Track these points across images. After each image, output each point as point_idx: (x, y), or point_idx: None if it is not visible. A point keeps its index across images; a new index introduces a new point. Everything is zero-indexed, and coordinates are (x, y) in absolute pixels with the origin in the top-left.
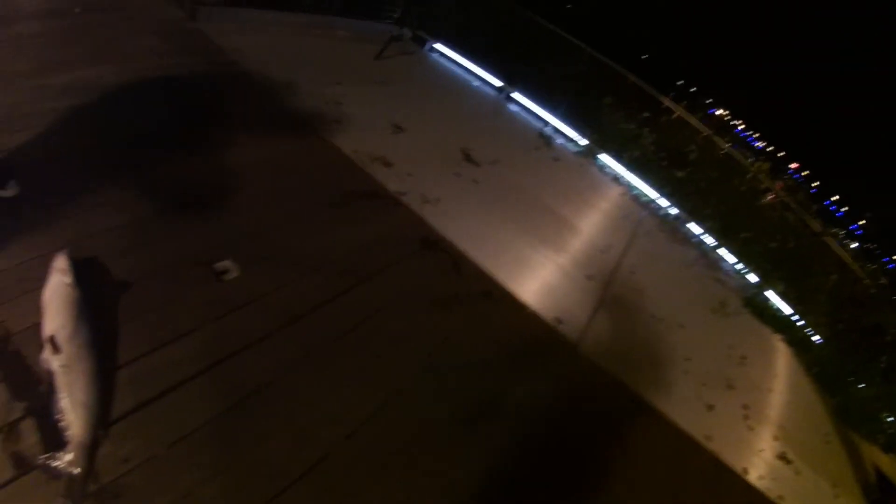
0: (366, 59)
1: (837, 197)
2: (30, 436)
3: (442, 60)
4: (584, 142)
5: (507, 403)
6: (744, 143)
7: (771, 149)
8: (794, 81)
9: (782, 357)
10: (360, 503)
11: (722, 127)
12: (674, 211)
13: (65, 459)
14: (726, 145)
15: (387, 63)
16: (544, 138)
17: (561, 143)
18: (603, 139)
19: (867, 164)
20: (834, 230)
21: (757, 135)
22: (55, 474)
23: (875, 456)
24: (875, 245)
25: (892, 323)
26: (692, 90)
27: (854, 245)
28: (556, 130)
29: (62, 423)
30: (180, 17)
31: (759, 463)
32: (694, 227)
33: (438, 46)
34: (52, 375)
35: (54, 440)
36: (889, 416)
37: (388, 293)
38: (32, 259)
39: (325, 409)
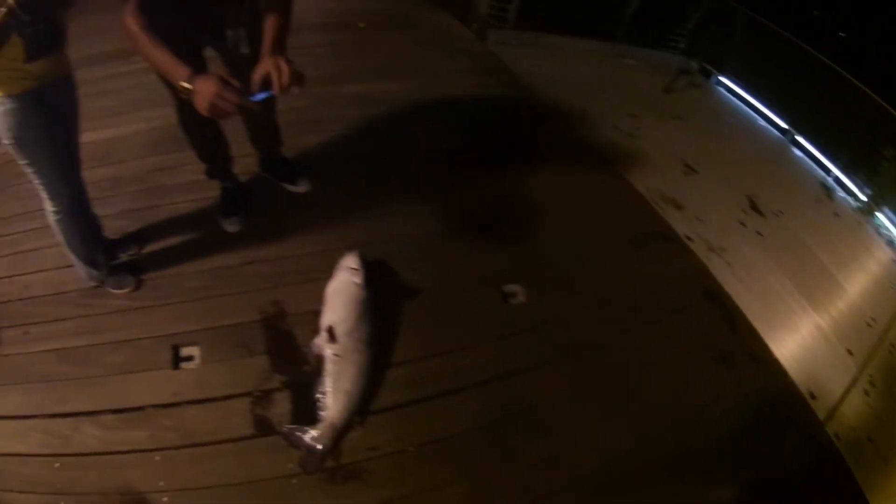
0: (655, 90)
1: None
2: (281, 406)
3: (728, 96)
4: (863, 197)
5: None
6: None
7: None
8: None
9: None
10: None
11: None
12: None
13: (311, 434)
14: None
15: (676, 96)
16: (826, 190)
17: (842, 197)
18: (883, 196)
19: None
20: None
21: None
22: (296, 444)
23: None
24: None
25: None
26: None
27: None
28: (838, 181)
29: (319, 404)
30: (470, 38)
31: None
32: None
33: (724, 80)
34: (322, 361)
35: (306, 416)
36: None
37: (667, 340)
38: (317, 252)
39: (581, 440)
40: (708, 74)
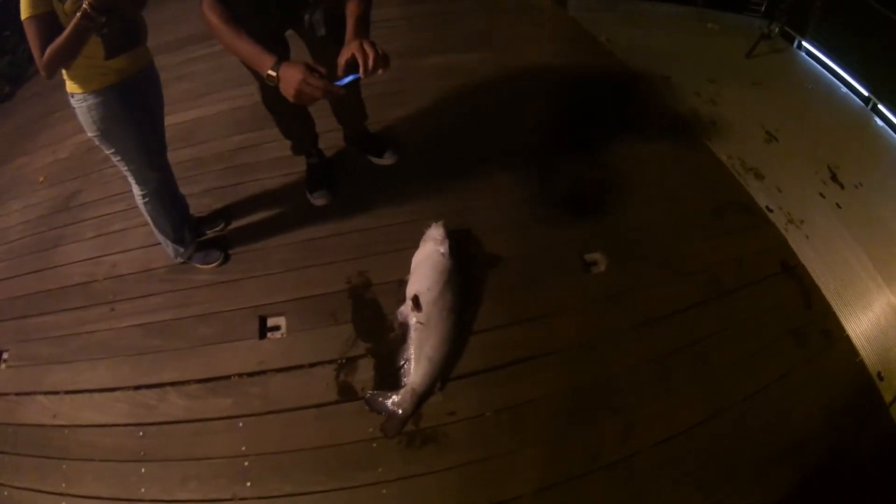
0: (736, 55)
1: None
2: (364, 373)
3: (810, 61)
4: None
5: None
6: None
7: None
8: None
9: None
10: None
11: None
12: None
13: (393, 399)
14: None
15: (757, 61)
16: None
17: None
18: None
19: None
20: None
21: None
22: (378, 409)
23: None
24: None
25: None
26: None
27: None
28: None
29: (402, 371)
30: (550, 5)
31: None
32: None
33: (806, 45)
34: (406, 328)
35: (389, 382)
36: None
37: (743, 312)
38: (404, 223)
39: (654, 410)
40: (790, 39)
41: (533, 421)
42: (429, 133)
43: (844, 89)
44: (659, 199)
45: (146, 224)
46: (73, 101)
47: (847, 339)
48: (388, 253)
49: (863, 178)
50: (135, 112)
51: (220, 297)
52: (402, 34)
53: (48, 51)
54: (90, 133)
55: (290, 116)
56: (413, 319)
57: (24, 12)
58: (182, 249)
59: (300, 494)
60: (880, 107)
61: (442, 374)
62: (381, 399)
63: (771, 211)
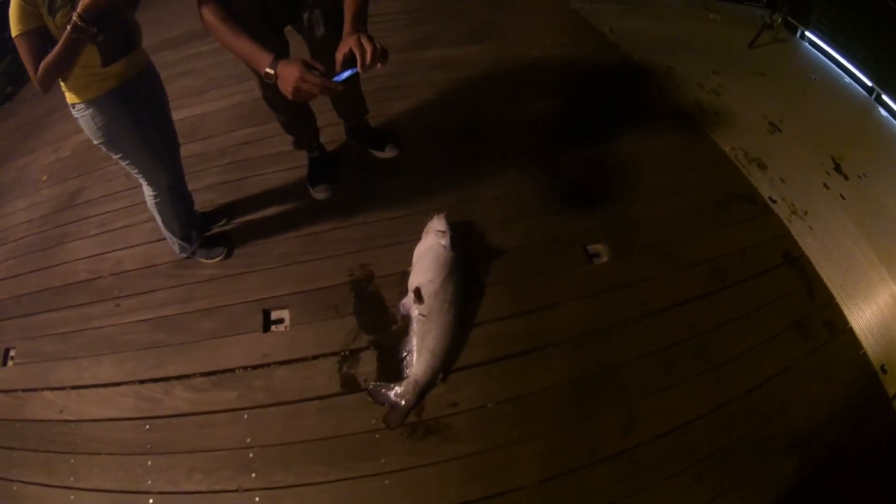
0: (739, 45)
1: None
2: (367, 364)
3: (813, 51)
4: None
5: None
6: None
7: None
8: None
9: None
10: (654, 500)
11: None
12: None
13: (395, 390)
14: None
15: (760, 51)
16: None
17: None
18: None
19: None
20: None
21: None
22: (381, 400)
23: None
24: None
25: None
26: None
27: None
28: None
29: (405, 362)
30: None
31: None
32: None
33: (809, 35)
34: (408, 320)
35: (391, 373)
36: None
37: (746, 304)
38: (406, 216)
39: (656, 402)
40: (793, 29)
41: (535, 412)
42: (430, 126)
43: (848, 79)
44: (662, 190)
45: (150, 220)
46: (74, 112)
47: (850, 332)
48: (390, 245)
49: (867, 169)
50: (137, 114)
51: (224, 292)
52: (402, 28)
53: (42, 66)
54: (96, 141)
55: (290, 112)
56: (415, 311)
57: (14, 30)
58: (187, 246)
59: (304, 485)
60: (884, 97)
61: (444, 366)
62: (383, 390)
63: (774, 202)
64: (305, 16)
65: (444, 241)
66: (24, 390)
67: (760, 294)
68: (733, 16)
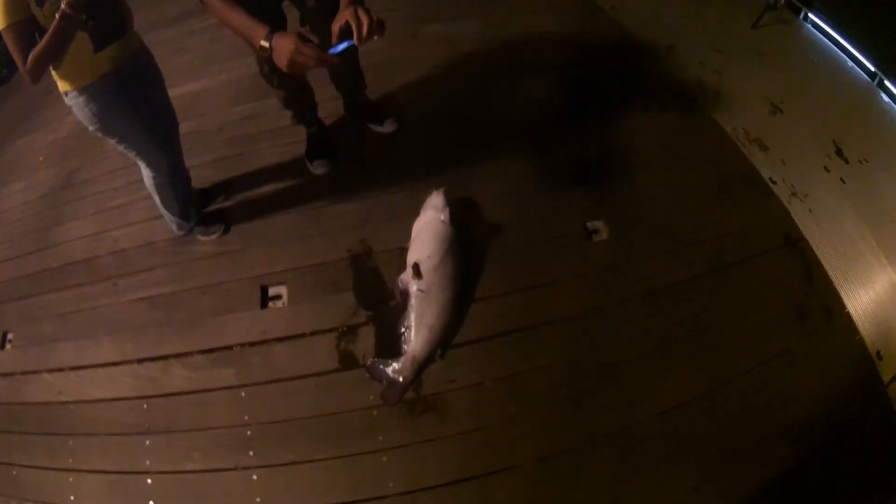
0: (742, 25)
1: None
2: (365, 341)
3: (816, 33)
4: None
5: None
6: None
7: None
8: None
9: None
10: (646, 483)
11: None
12: None
13: (393, 367)
14: None
15: (763, 32)
16: None
17: None
18: None
19: None
20: None
21: None
22: (379, 377)
23: None
24: None
25: None
26: None
27: None
28: None
29: (403, 338)
30: None
31: None
32: None
33: (812, 17)
34: (407, 296)
35: (389, 350)
36: None
37: (744, 286)
38: (404, 191)
39: (654, 382)
40: (796, 10)
41: (532, 390)
42: (430, 101)
43: (851, 63)
44: (662, 168)
45: (147, 198)
46: (67, 100)
47: (847, 317)
48: (388, 221)
49: (868, 154)
50: (133, 98)
51: (222, 269)
52: (402, 2)
53: (31, 57)
54: (91, 127)
55: (288, 87)
56: (414, 287)
57: (1, 22)
58: (185, 223)
59: (302, 463)
60: (887, 83)
61: (442, 342)
62: (381, 367)
63: (775, 183)
64: None
65: (444, 217)
66: (22, 373)
67: (760, 276)
68: None
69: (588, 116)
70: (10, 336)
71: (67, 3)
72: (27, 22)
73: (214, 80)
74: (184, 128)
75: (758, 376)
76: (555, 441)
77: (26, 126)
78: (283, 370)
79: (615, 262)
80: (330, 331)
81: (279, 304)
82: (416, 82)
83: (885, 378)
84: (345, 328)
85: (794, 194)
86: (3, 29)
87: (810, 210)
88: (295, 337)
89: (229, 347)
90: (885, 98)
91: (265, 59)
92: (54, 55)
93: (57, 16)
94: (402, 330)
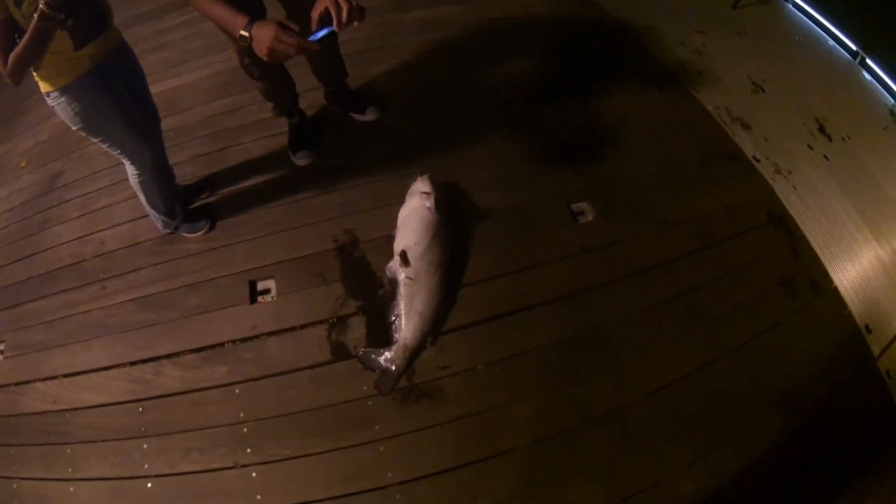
0: (723, 6)
1: None
2: (356, 331)
3: (797, 13)
4: None
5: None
6: None
7: None
8: None
9: None
10: (641, 462)
11: None
12: None
13: (385, 356)
14: None
15: (744, 12)
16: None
17: None
18: None
19: None
20: None
21: None
22: (371, 366)
23: None
24: None
25: None
26: None
27: None
28: None
29: (393, 327)
30: None
31: None
32: None
33: None
34: (395, 284)
35: (380, 339)
36: None
37: (731, 262)
38: (389, 178)
39: (645, 361)
40: None
41: (525, 373)
42: (412, 88)
43: (832, 42)
44: (645, 148)
45: (132, 197)
46: (49, 101)
47: (835, 291)
48: (374, 209)
49: (850, 131)
50: (116, 94)
51: (210, 265)
52: None
53: (11, 59)
54: (74, 127)
55: (269, 78)
56: (402, 275)
57: None
58: (171, 221)
59: (299, 457)
60: (868, 61)
61: (433, 329)
62: (373, 356)
63: (758, 161)
64: None
65: (429, 203)
66: (16, 384)
67: (746, 252)
68: None
69: (570, 99)
70: (1, 346)
71: (45, 3)
72: (6, 23)
73: (194, 75)
74: (165, 124)
75: (748, 351)
76: (550, 423)
77: (6, 132)
78: (276, 365)
79: (603, 244)
80: (320, 322)
81: (268, 298)
82: (398, 69)
83: (875, 351)
84: (335, 319)
85: (777, 172)
86: None
87: (794, 187)
88: (286, 331)
89: (221, 345)
90: (867, 76)
91: (245, 48)
92: (34, 55)
93: (35, 16)
94: (393, 318)
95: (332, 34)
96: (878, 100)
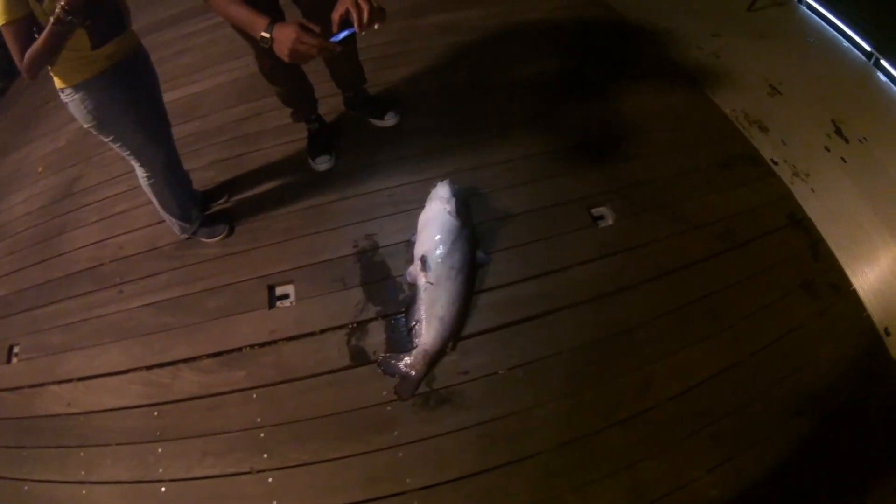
0: (738, 8)
1: None
2: (376, 336)
3: (811, 15)
4: None
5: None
6: None
7: None
8: None
9: None
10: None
11: None
12: None
13: (405, 361)
14: None
15: (759, 15)
16: None
17: None
18: None
19: None
20: None
21: None
22: (392, 372)
23: None
24: None
25: None
26: None
27: None
28: None
29: (414, 331)
30: None
31: None
32: None
33: None
34: (416, 289)
35: (400, 344)
36: None
37: (753, 265)
38: (408, 184)
39: (669, 364)
40: None
41: (548, 377)
42: (430, 93)
43: (847, 44)
44: (664, 151)
45: (149, 203)
46: (63, 97)
47: (854, 294)
48: (394, 214)
49: (867, 133)
50: (129, 95)
51: (228, 270)
52: None
53: (27, 55)
54: (86, 125)
55: (288, 83)
56: (422, 280)
57: (1, 18)
58: (188, 226)
59: (317, 462)
60: (883, 62)
61: (454, 334)
62: (393, 361)
63: (776, 164)
64: None
65: (450, 208)
66: (30, 386)
67: (768, 255)
68: None
69: (588, 103)
70: (16, 349)
71: (63, 9)
72: (26, 19)
73: (214, 80)
74: (185, 129)
75: (772, 353)
76: (574, 426)
77: (25, 137)
78: (295, 370)
79: (625, 246)
80: (340, 328)
81: (287, 303)
82: (416, 74)
83: (894, 354)
84: (354, 324)
85: (795, 174)
86: (3, 26)
87: (812, 190)
88: (305, 336)
89: (239, 349)
90: (882, 77)
91: (266, 50)
92: (50, 55)
93: (52, 19)
94: (413, 323)
95: (351, 36)
96: (893, 101)
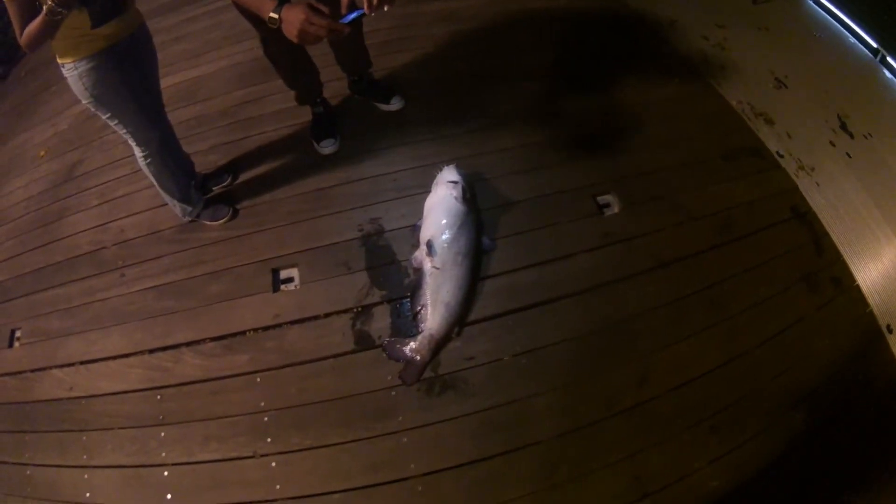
0: (743, 1)
1: None
2: (380, 320)
3: (817, 9)
4: None
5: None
6: None
7: None
8: None
9: None
10: (664, 457)
11: None
12: None
13: (411, 346)
14: None
15: (765, 8)
16: None
17: None
18: None
19: None
20: None
21: None
22: (396, 356)
23: None
24: None
25: None
26: None
27: None
28: None
29: (419, 316)
30: None
31: None
32: None
33: None
34: (421, 274)
35: (405, 328)
36: None
37: (755, 257)
38: (414, 168)
39: (670, 355)
40: None
41: (551, 365)
42: (435, 78)
43: (853, 39)
44: (669, 141)
45: (151, 186)
46: (63, 71)
47: (857, 290)
48: (399, 198)
49: (872, 129)
50: (127, 75)
51: (231, 253)
52: None
53: (25, 33)
54: (84, 100)
55: (293, 65)
56: (428, 265)
57: None
58: (189, 208)
59: (320, 447)
60: (889, 59)
61: (459, 319)
62: (398, 346)
63: (781, 157)
64: None
65: (456, 192)
66: (32, 370)
67: (770, 247)
68: None
69: (593, 92)
70: (17, 333)
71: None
72: None
73: (215, 64)
74: (187, 113)
75: (772, 347)
76: (575, 415)
77: (26, 122)
78: (298, 354)
79: (627, 236)
80: (344, 312)
81: (291, 286)
82: (422, 60)
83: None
84: (359, 308)
85: (801, 168)
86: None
87: (817, 184)
88: (309, 319)
89: (242, 333)
90: (888, 74)
91: (272, 33)
92: (45, 37)
93: (45, 9)
94: (418, 308)
95: (359, 18)
96: None
